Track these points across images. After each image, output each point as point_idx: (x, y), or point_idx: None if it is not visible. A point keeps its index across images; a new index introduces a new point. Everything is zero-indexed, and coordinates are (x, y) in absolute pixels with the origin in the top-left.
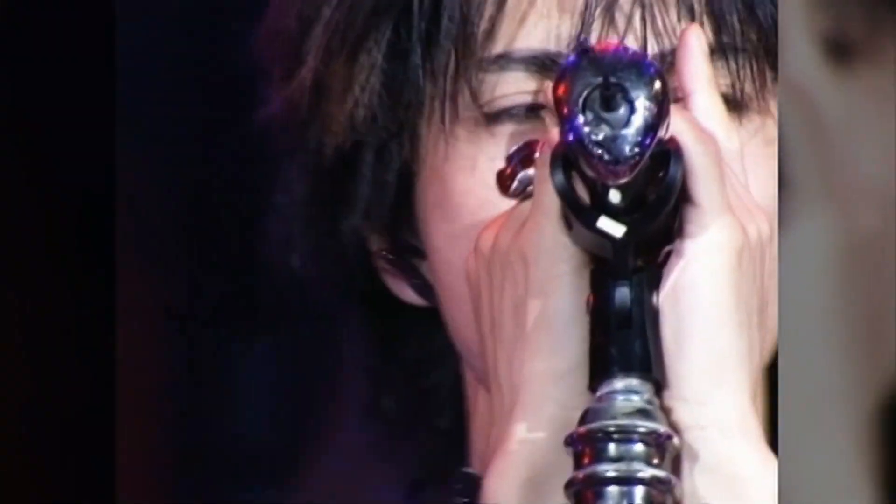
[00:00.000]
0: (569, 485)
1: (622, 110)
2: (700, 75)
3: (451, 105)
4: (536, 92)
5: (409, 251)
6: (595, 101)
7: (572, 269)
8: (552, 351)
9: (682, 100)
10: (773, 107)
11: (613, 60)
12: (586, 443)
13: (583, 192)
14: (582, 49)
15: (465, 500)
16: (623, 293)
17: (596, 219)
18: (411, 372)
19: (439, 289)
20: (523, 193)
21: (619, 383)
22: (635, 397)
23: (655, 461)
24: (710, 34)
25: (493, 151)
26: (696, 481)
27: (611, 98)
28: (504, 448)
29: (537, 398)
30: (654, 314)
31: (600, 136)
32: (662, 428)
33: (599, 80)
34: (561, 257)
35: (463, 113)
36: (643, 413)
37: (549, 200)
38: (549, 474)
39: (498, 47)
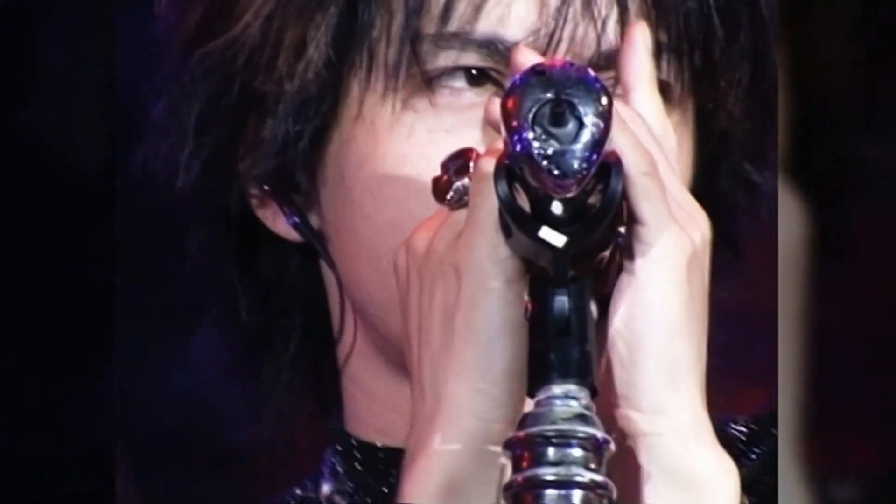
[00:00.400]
0: (507, 487)
1: (570, 126)
2: (643, 73)
3: (394, 69)
4: (482, 69)
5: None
6: (544, 116)
7: (503, 283)
8: (477, 365)
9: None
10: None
11: (562, 77)
12: (525, 447)
13: (524, 203)
14: (533, 68)
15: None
16: (562, 301)
17: (538, 229)
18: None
19: (338, 235)
20: (459, 202)
21: (558, 389)
22: (574, 403)
23: (593, 465)
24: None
25: (431, 122)
26: (657, 486)
27: (560, 114)
28: (423, 455)
29: (459, 410)
30: (592, 321)
31: (549, 151)
32: (600, 433)
33: (549, 96)
34: (492, 272)
35: (406, 78)
36: (582, 418)
37: (484, 215)
38: (466, 484)
39: (453, 26)
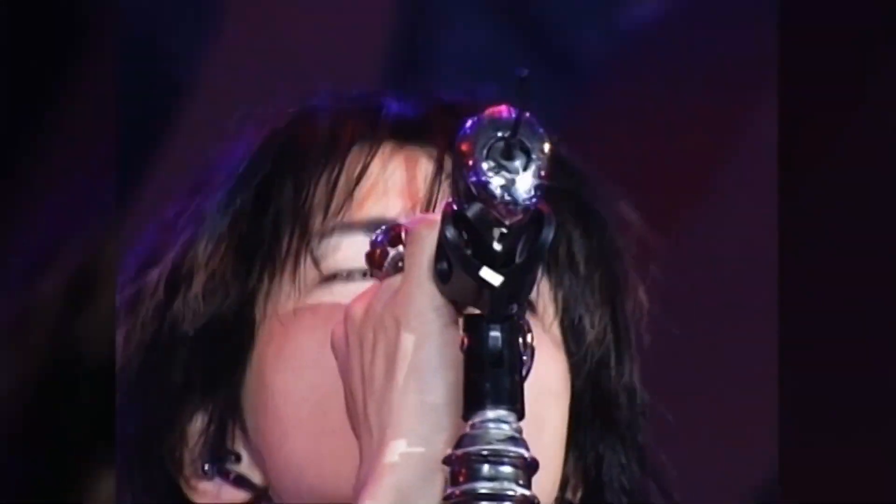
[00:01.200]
0: (447, 498)
1: (519, 160)
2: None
3: (291, 271)
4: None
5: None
6: (497, 150)
7: (441, 326)
8: (419, 391)
9: None
10: None
11: (510, 119)
12: (463, 464)
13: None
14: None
15: None
16: (496, 336)
17: (479, 269)
18: None
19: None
20: (395, 269)
21: (491, 413)
22: (505, 426)
23: (522, 482)
24: None
25: (330, 311)
26: None
27: (512, 148)
28: (374, 476)
29: (405, 433)
30: (520, 355)
31: (502, 181)
32: (528, 453)
33: (501, 134)
34: (430, 319)
35: (304, 276)
36: (513, 440)
37: (420, 271)
38: (413, 498)
39: (337, 219)
